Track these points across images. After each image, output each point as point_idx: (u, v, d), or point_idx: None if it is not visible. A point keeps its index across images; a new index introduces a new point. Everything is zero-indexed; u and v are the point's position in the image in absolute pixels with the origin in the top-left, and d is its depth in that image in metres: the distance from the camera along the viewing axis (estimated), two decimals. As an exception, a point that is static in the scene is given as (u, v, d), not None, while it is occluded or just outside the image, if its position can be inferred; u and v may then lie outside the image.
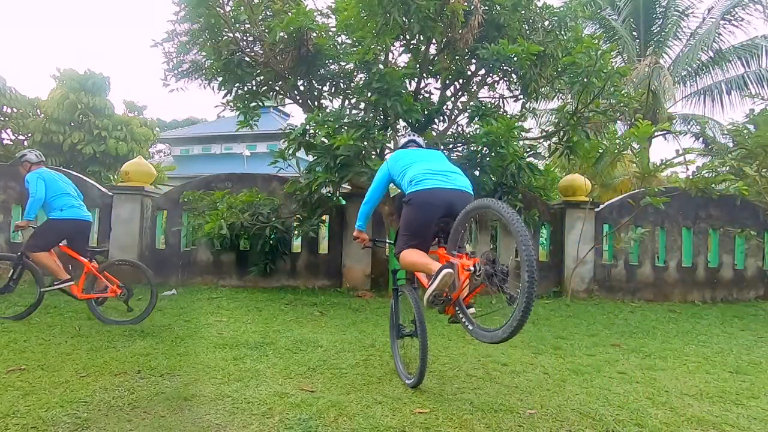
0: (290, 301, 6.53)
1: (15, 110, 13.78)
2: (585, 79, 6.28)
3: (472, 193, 3.06)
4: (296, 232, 7.45)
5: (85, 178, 8.25)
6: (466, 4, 5.98)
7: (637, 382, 3.57)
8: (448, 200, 2.91)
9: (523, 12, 6.57)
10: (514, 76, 6.95)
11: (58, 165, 13.04)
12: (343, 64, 7.08)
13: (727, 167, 7.59)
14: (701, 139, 12.89)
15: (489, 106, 7.03)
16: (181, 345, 4.09)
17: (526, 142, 7.81)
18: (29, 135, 13.93)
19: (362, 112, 6.95)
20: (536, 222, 7.82)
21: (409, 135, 3.68)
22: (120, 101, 20.29)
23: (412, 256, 2.94)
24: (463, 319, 2.83)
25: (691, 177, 7.49)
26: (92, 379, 3.18)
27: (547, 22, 6.76)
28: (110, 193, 7.76)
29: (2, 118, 13.52)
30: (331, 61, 6.98)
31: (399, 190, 3.45)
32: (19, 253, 5.02)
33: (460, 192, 2.97)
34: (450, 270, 2.61)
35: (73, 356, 3.68)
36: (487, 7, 6.30)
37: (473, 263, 2.50)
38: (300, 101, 7.48)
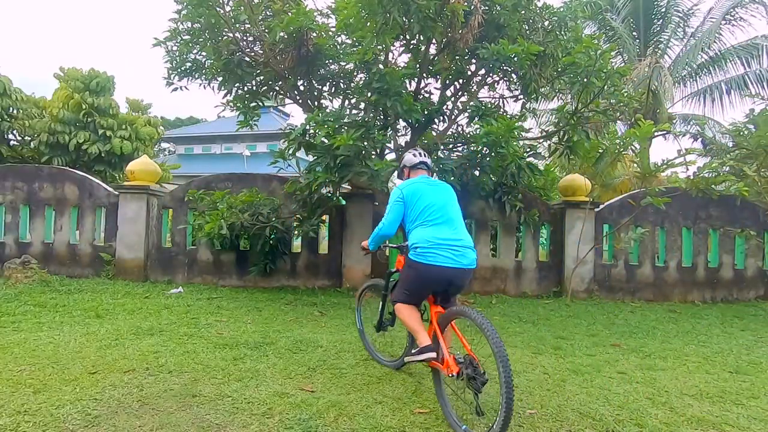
0: (290, 301, 6.53)
1: (21, 111, 13.83)
2: (585, 79, 6.28)
3: (475, 265, 3.11)
4: (296, 232, 7.45)
5: (91, 177, 8.28)
6: (466, 4, 5.98)
7: (637, 382, 3.58)
8: (450, 278, 3.00)
9: (523, 12, 6.57)
10: (514, 76, 6.96)
11: (65, 165, 13.08)
12: (343, 64, 7.08)
13: (727, 167, 7.59)
14: (700, 139, 12.88)
15: (489, 106, 7.03)
16: (189, 342, 4.10)
17: (526, 142, 7.82)
18: (35, 135, 13.97)
19: (362, 112, 6.95)
20: (536, 222, 7.83)
21: (420, 155, 3.48)
22: (123, 99, 20.31)
23: (407, 313, 3.10)
24: (441, 394, 2.93)
25: (691, 177, 7.49)
26: (102, 377, 3.21)
27: (547, 22, 6.76)
28: (116, 193, 7.79)
29: (9, 120, 13.56)
30: (331, 61, 6.98)
31: None
32: None
33: (462, 270, 3.00)
34: (433, 355, 2.86)
35: (82, 354, 3.71)
36: (487, 7, 6.30)
37: (458, 371, 2.66)
38: (300, 101, 7.48)
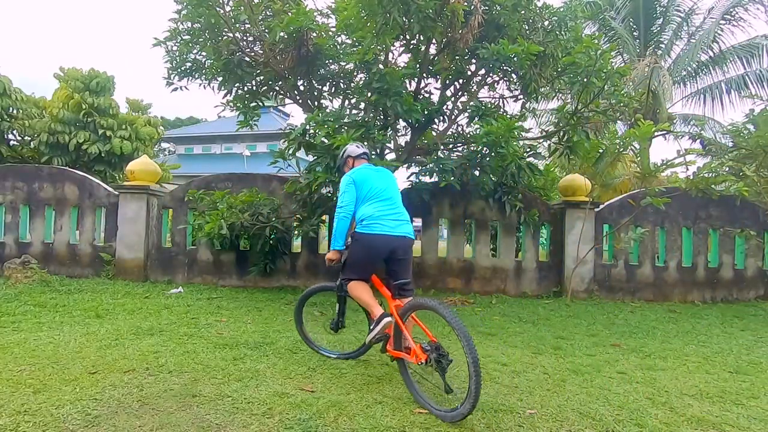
0: (290, 301, 6.53)
1: (21, 111, 13.83)
2: (585, 79, 6.28)
3: (413, 237, 3.54)
4: (296, 232, 7.45)
5: (91, 177, 8.28)
6: (466, 4, 5.98)
7: (637, 382, 3.58)
8: (392, 246, 3.38)
9: (523, 12, 6.57)
10: (514, 76, 6.95)
11: (65, 165, 13.08)
12: (343, 64, 7.08)
13: (727, 168, 7.59)
14: (699, 140, 12.90)
15: (489, 106, 7.03)
16: (188, 342, 4.10)
17: (526, 142, 7.82)
18: (35, 135, 13.97)
19: (362, 112, 6.95)
20: (536, 222, 7.83)
21: (361, 147, 3.96)
22: (123, 99, 20.30)
23: (360, 289, 3.44)
24: (408, 380, 3.16)
25: (691, 177, 7.49)
26: (102, 377, 3.20)
27: (547, 22, 6.75)
28: (116, 193, 7.80)
29: (9, 120, 13.56)
30: (331, 61, 6.98)
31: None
32: None
33: (402, 239, 3.43)
34: (389, 319, 3.19)
35: (82, 354, 3.71)
36: (487, 7, 6.30)
37: (425, 358, 2.90)
38: (300, 101, 7.48)
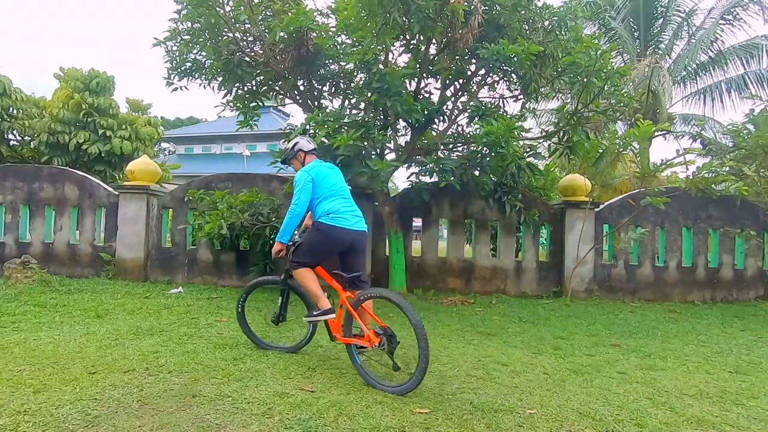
0: (290, 301, 6.52)
1: (21, 111, 13.82)
2: (585, 79, 6.28)
3: (367, 231, 3.79)
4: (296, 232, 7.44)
5: (91, 177, 8.29)
6: (466, 4, 5.98)
7: (637, 382, 3.58)
8: (352, 240, 3.63)
9: (523, 12, 6.57)
10: (514, 76, 6.95)
11: (65, 165, 13.08)
12: (343, 64, 7.08)
13: (727, 168, 7.59)
14: (699, 139, 12.89)
15: (489, 106, 7.03)
16: (188, 342, 4.10)
17: (526, 142, 7.82)
18: (35, 135, 13.97)
19: (362, 112, 6.95)
20: (536, 222, 7.83)
21: (312, 143, 4.00)
22: (123, 99, 20.31)
23: (309, 277, 3.60)
24: (357, 364, 3.42)
25: (691, 177, 7.50)
26: (102, 377, 3.20)
27: (547, 22, 6.75)
28: (116, 193, 7.80)
29: (8, 120, 13.56)
30: (331, 61, 6.98)
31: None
32: None
33: (361, 234, 3.69)
34: (333, 316, 3.53)
35: (82, 354, 3.71)
36: (487, 7, 6.29)
37: (379, 341, 3.22)
38: (300, 101, 7.48)
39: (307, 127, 6.36)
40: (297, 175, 3.74)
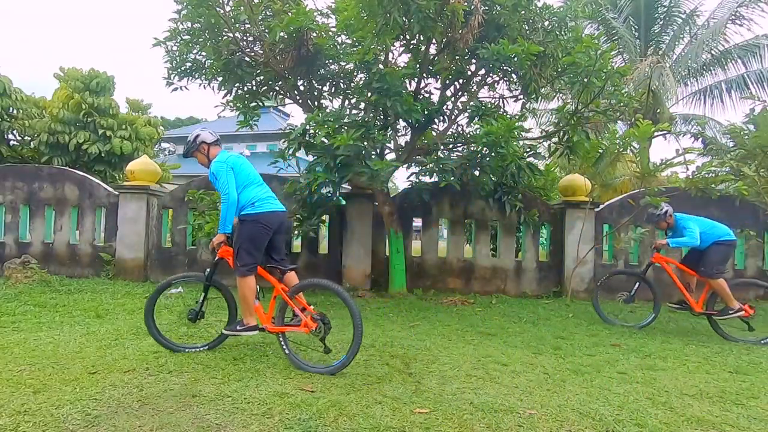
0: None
1: (21, 111, 13.82)
2: (585, 79, 6.28)
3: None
4: (296, 232, 7.45)
5: (91, 177, 8.29)
6: (466, 4, 5.98)
7: (637, 382, 3.58)
8: (280, 221, 3.78)
9: (523, 12, 6.57)
10: (514, 76, 6.95)
11: (65, 165, 13.07)
12: (343, 64, 7.08)
13: (727, 168, 7.59)
14: (701, 139, 12.88)
15: (489, 106, 7.03)
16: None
17: (526, 142, 7.82)
18: (35, 135, 13.97)
19: (362, 112, 6.95)
20: (536, 222, 7.83)
21: (214, 134, 3.95)
22: (123, 99, 20.33)
23: (251, 289, 3.65)
24: (284, 346, 3.65)
25: (690, 177, 7.49)
26: (102, 377, 3.20)
27: (547, 22, 6.75)
28: (116, 193, 7.80)
29: (8, 120, 13.55)
30: (331, 61, 6.98)
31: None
32: None
33: (285, 214, 3.88)
34: (257, 333, 3.72)
35: (82, 354, 3.71)
36: (487, 7, 6.29)
37: (315, 326, 3.50)
38: (300, 101, 7.48)
39: (307, 127, 6.35)
40: (213, 167, 3.71)
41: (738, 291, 5.46)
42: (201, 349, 3.88)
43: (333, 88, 7.47)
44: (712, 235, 5.45)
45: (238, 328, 3.69)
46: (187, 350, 3.84)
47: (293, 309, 3.59)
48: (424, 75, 7.04)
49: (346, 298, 3.46)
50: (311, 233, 7.24)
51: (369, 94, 6.37)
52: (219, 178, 3.66)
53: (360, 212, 7.72)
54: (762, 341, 5.08)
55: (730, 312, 5.23)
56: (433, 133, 7.67)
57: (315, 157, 6.36)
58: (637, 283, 5.99)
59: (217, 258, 3.87)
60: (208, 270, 3.88)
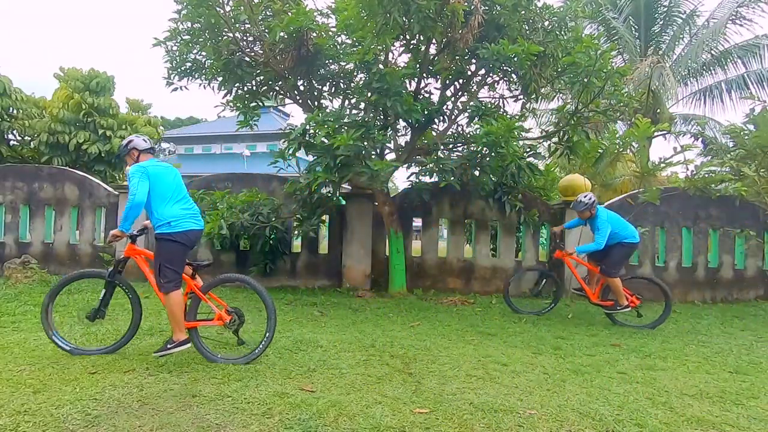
0: (290, 301, 6.53)
1: (21, 111, 13.81)
2: (585, 79, 6.28)
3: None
4: (296, 232, 7.45)
5: (91, 177, 8.28)
6: (466, 4, 5.98)
7: (637, 382, 3.57)
8: (196, 237, 3.83)
9: (523, 12, 6.57)
10: (514, 76, 6.95)
11: (65, 165, 13.07)
12: (343, 64, 7.08)
13: (727, 167, 7.59)
14: (701, 139, 12.88)
15: (489, 106, 7.03)
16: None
17: (526, 142, 7.82)
18: (35, 135, 13.98)
19: (362, 112, 6.95)
20: (536, 222, 7.82)
21: (148, 142, 3.95)
22: (123, 99, 20.33)
23: (179, 304, 3.66)
24: (200, 345, 3.73)
25: (690, 177, 7.49)
26: (102, 377, 3.20)
27: (547, 23, 6.75)
28: (116, 193, 7.80)
29: (9, 120, 13.55)
30: (331, 61, 6.98)
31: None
32: None
33: (201, 231, 3.90)
34: (189, 345, 3.66)
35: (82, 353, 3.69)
36: (487, 7, 6.30)
37: (230, 318, 3.70)
38: (300, 101, 7.48)
39: (307, 127, 6.36)
40: (130, 170, 3.68)
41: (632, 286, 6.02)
42: (98, 353, 3.69)
43: (333, 88, 7.48)
44: (618, 235, 5.74)
45: (168, 347, 3.63)
46: (82, 353, 3.66)
47: (207, 303, 3.71)
48: (424, 75, 7.04)
49: (261, 291, 3.65)
50: (311, 233, 7.24)
51: (369, 94, 6.37)
52: (131, 180, 3.62)
53: (360, 212, 7.73)
54: (648, 326, 5.71)
55: (619, 308, 5.80)
56: (433, 133, 7.67)
57: (315, 157, 6.36)
58: (544, 279, 6.63)
59: (123, 256, 3.87)
60: (111, 268, 3.87)
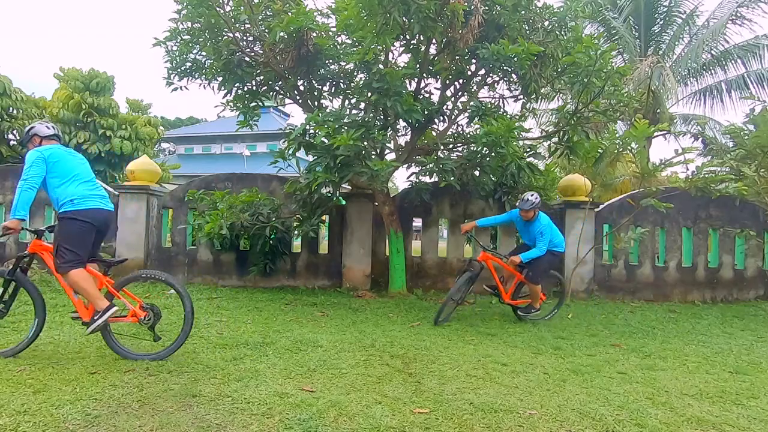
0: (290, 301, 6.53)
1: (21, 111, 13.83)
2: (585, 79, 6.28)
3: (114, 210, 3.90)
4: (296, 232, 7.45)
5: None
6: (466, 4, 5.98)
7: (637, 382, 3.58)
8: (105, 219, 3.66)
9: (523, 12, 6.57)
10: (514, 76, 6.95)
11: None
12: (343, 64, 7.08)
13: (727, 168, 7.59)
14: (701, 139, 12.89)
15: (489, 106, 7.02)
16: (189, 342, 4.09)
17: (526, 142, 7.82)
18: None
19: (362, 112, 6.95)
20: (536, 222, 7.81)
21: (53, 129, 3.85)
22: (123, 99, 20.33)
23: (86, 279, 3.45)
24: (108, 338, 3.64)
25: (690, 177, 7.50)
26: (102, 377, 3.20)
27: (547, 23, 6.75)
28: (116, 193, 7.80)
29: (9, 120, 13.56)
30: (331, 61, 6.98)
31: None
32: None
33: (111, 213, 3.73)
34: (117, 308, 3.52)
35: (82, 354, 3.71)
36: (487, 7, 6.29)
37: (145, 314, 3.57)
38: (300, 101, 7.48)
39: (307, 127, 6.35)
40: (28, 155, 3.54)
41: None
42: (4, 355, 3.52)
43: (333, 88, 7.47)
44: (551, 243, 5.68)
45: (95, 318, 3.42)
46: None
47: (120, 300, 3.60)
48: (424, 75, 7.04)
49: (179, 288, 3.63)
50: (311, 233, 7.23)
51: (369, 94, 6.37)
52: (26, 163, 3.47)
53: (360, 212, 7.73)
54: (546, 317, 5.89)
55: (533, 311, 5.82)
56: (433, 133, 7.67)
57: (315, 157, 6.36)
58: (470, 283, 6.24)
59: (26, 252, 3.63)
60: (11, 265, 3.63)
